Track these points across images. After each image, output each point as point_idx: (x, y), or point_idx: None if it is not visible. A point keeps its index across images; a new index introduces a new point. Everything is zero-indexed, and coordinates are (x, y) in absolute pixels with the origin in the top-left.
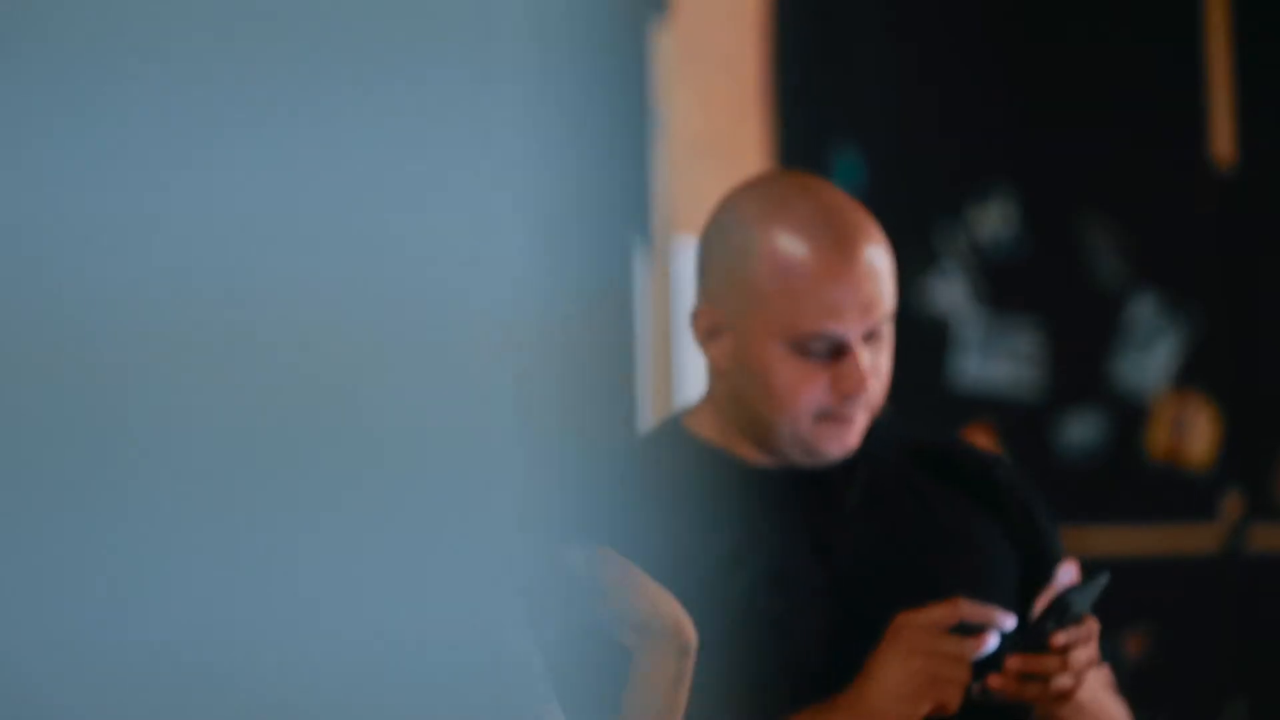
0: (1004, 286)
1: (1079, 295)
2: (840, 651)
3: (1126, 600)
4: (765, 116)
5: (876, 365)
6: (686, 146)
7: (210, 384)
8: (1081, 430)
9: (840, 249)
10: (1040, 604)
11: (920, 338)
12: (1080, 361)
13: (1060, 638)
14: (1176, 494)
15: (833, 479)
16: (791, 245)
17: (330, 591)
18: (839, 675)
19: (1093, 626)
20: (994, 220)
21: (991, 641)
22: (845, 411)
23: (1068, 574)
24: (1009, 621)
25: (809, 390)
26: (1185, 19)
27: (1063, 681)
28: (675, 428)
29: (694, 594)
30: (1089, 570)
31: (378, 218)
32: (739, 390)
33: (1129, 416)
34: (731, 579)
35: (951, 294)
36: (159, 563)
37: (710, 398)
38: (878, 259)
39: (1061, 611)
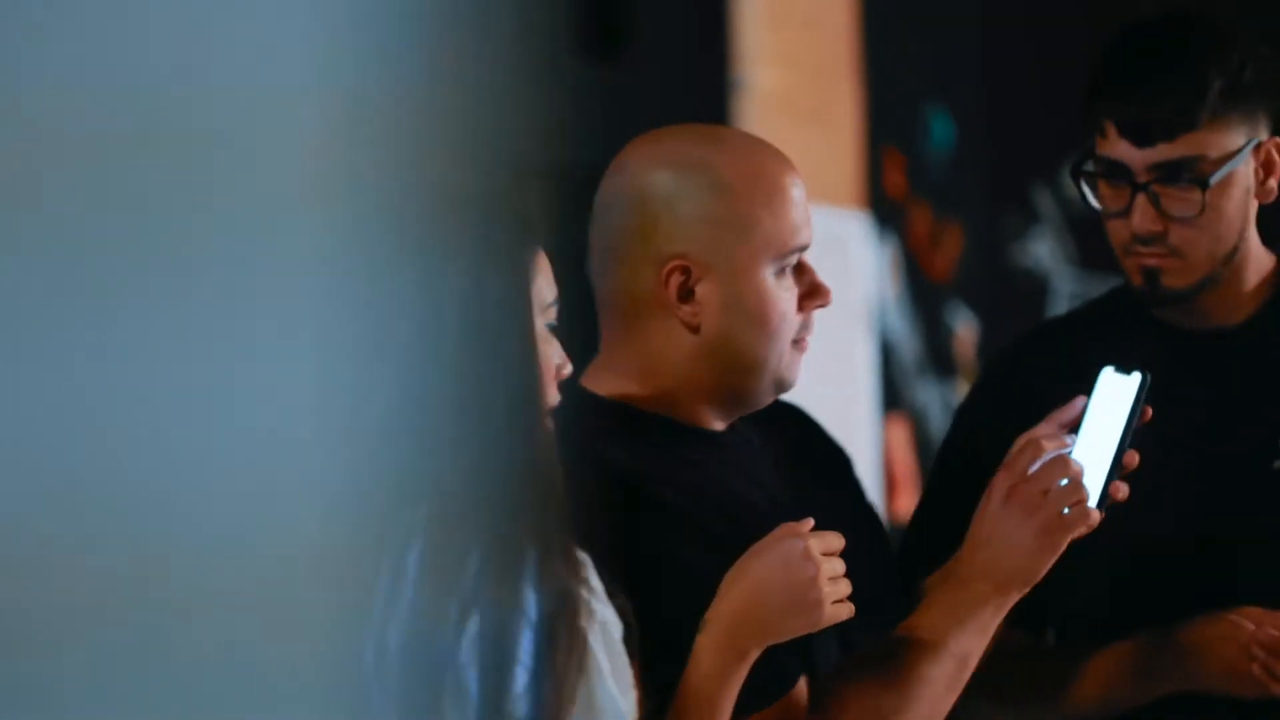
0: (1097, 245)
1: None
2: None
3: None
4: (855, 77)
5: None
6: (774, 108)
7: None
8: None
9: (787, 166)
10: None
11: (1014, 296)
12: None
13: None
14: None
15: (766, 429)
16: (754, 166)
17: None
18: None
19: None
20: None
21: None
22: (807, 334)
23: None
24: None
25: (791, 313)
26: None
27: None
28: (616, 406)
29: (722, 533)
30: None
31: None
32: (725, 336)
33: None
34: (745, 533)
35: (1045, 253)
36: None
37: (639, 367)
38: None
39: (1135, 405)
